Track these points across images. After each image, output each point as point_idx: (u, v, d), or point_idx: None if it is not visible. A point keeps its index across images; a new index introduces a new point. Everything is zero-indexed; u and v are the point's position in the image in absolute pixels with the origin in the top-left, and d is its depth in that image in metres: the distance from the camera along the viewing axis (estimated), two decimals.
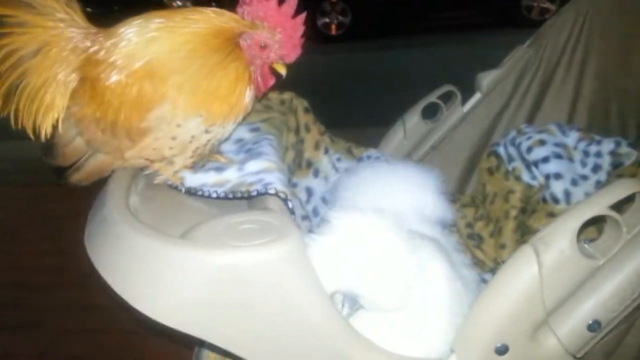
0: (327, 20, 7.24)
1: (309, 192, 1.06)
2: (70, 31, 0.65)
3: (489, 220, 1.11)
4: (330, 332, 0.55)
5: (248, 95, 0.66)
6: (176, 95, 0.62)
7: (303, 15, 0.66)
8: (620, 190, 0.57)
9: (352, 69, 5.08)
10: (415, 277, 0.63)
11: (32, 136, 0.67)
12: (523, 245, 0.59)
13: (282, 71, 0.69)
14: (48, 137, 0.67)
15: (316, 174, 1.07)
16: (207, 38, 0.62)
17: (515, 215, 1.04)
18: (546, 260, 0.57)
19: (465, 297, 0.69)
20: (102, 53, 0.62)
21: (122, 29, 0.64)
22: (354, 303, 0.61)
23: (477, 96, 1.19)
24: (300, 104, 1.06)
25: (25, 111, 0.66)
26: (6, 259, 2.09)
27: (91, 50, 0.63)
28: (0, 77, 0.65)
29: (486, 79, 1.17)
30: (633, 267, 0.58)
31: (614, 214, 0.58)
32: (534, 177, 1.06)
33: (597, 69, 1.17)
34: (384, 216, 0.66)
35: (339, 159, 1.11)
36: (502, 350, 0.59)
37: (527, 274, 0.57)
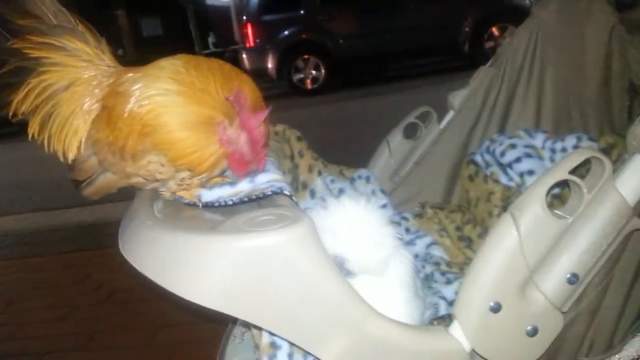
0: (302, 75, 7.58)
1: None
2: (97, 69, 0.76)
3: (475, 223, 1.20)
4: (343, 302, 0.63)
5: (216, 163, 0.75)
6: (162, 144, 0.72)
7: (262, 132, 0.75)
8: (576, 156, 0.67)
9: (330, 119, 5.26)
10: (392, 245, 0.77)
11: (61, 159, 0.77)
12: (503, 214, 0.68)
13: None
14: (73, 158, 0.76)
15: (313, 195, 1.16)
16: (195, 118, 0.71)
17: (499, 213, 1.13)
18: (522, 223, 0.66)
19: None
20: (122, 87, 0.73)
21: (143, 72, 0.74)
22: (341, 269, 0.74)
23: (450, 113, 1.31)
24: (293, 133, 1.17)
25: (56, 137, 0.76)
26: (4, 330, 2.09)
27: (115, 83, 0.74)
28: (37, 108, 0.76)
29: (457, 97, 1.30)
30: (597, 222, 0.68)
31: (574, 178, 0.68)
32: (510, 179, 1.16)
33: (554, 79, 1.30)
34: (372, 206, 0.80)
35: (332, 180, 1.20)
36: (496, 308, 0.67)
37: (507, 236, 0.66)
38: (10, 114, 0.76)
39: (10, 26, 0.74)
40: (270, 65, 7.53)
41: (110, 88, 0.74)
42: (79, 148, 0.76)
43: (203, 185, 0.80)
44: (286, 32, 7.53)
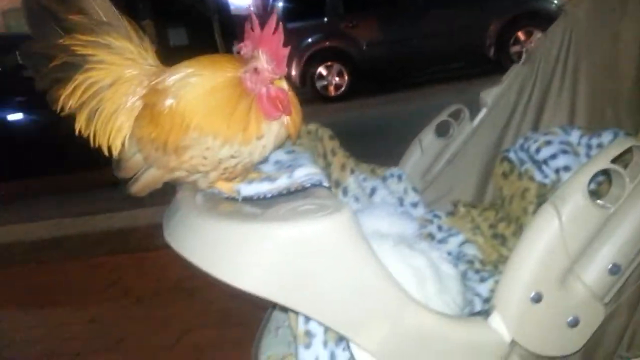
0: (325, 82, 7.61)
1: None
2: (140, 68, 0.78)
3: (510, 221, 1.19)
4: (382, 290, 0.64)
5: (255, 121, 0.76)
6: (202, 124, 0.74)
7: (281, 30, 0.73)
8: (618, 146, 0.67)
9: (354, 124, 5.28)
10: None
11: (106, 153, 0.80)
12: (544, 204, 0.68)
13: (283, 85, 0.76)
14: (117, 154, 0.79)
15: (345, 193, 1.17)
16: (222, 85, 0.74)
17: (534, 210, 1.12)
18: (564, 212, 0.66)
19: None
20: (161, 84, 0.75)
21: (179, 70, 0.76)
22: None
23: (483, 111, 1.31)
24: (325, 132, 1.18)
25: (100, 132, 0.79)
26: (40, 331, 2.18)
27: (155, 81, 0.76)
28: (83, 104, 0.79)
29: (490, 94, 1.29)
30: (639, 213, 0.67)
31: (616, 167, 0.67)
32: (545, 176, 1.15)
33: (588, 77, 1.28)
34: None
35: (364, 179, 1.21)
36: (537, 298, 0.67)
37: (549, 226, 0.66)
38: (58, 108, 0.79)
39: (63, 23, 0.77)
40: (293, 72, 7.58)
41: (150, 86, 0.77)
42: (123, 144, 0.78)
43: (243, 178, 0.82)
44: (309, 40, 7.58)
